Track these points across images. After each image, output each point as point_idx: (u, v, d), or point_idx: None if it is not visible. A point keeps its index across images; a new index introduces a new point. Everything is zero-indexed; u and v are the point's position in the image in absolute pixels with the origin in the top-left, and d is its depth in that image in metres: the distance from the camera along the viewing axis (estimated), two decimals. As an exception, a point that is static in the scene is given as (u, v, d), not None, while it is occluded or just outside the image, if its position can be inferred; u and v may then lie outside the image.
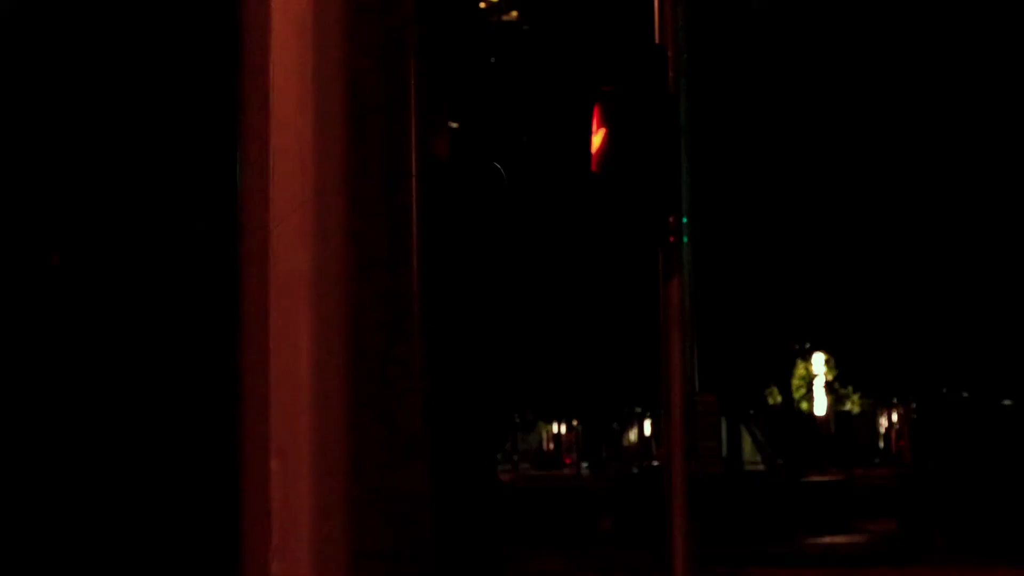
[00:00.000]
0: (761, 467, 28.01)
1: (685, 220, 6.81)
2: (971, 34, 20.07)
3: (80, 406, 4.40)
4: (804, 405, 40.46)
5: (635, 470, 27.00)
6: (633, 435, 52.74)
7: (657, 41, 7.72)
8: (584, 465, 46.58)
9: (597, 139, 6.98)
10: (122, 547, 4.36)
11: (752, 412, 27.94)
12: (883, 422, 53.07)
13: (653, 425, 42.53)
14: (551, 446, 57.79)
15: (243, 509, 1.64)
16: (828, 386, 42.42)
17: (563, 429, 54.92)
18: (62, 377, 4.38)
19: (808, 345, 31.64)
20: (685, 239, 6.79)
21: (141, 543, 4.38)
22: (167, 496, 4.44)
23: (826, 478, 26.60)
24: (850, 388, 43.41)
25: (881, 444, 52.55)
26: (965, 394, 34.92)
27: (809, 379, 42.24)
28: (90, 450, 4.40)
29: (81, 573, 4.32)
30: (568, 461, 52.28)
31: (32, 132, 4.42)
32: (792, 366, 34.11)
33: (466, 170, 2.54)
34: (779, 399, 30.28)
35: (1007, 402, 33.25)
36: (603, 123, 6.96)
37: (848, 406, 48.31)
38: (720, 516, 15.14)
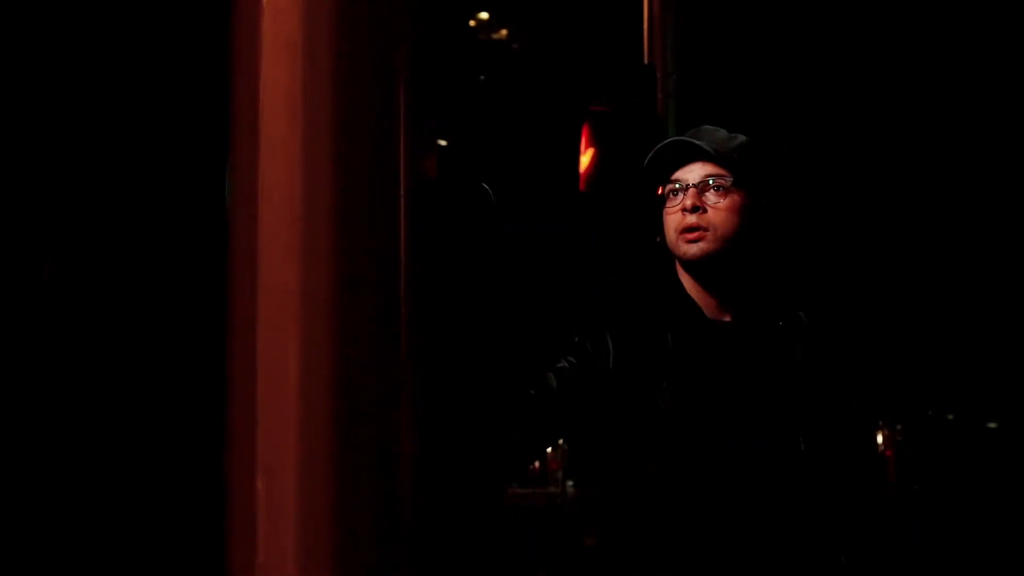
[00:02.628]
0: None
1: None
2: (971, 34, 20.13)
3: (65, 427, 4.39)
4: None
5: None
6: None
7: (646, 61, 7.74)
8: (570, 483, 46.57)
9: (585, 159, 6.99)
10: (108, 565, 4.34)
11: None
12: (869, 443, 53.07)
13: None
14: (537, 464, 57.75)
15: (229, 526, 1.64)
16: (814, 407, 42.35)
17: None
18: (45, 395, 4.37)
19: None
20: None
21: (127, 561, 4.37)
22: (153, 514, 4.43)
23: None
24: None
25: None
26: (950, 416, 34.94)
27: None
28: (77, 469, 4.39)
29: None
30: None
31: (26, 163, 4.41)
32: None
33: (454, 188, 2.54)
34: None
35: (992, 425, 33.29)
36: (591, 143, 6.97)
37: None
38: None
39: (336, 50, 1.65)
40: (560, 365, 2.76)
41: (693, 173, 2.82)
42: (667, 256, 2.87)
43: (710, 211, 2.79)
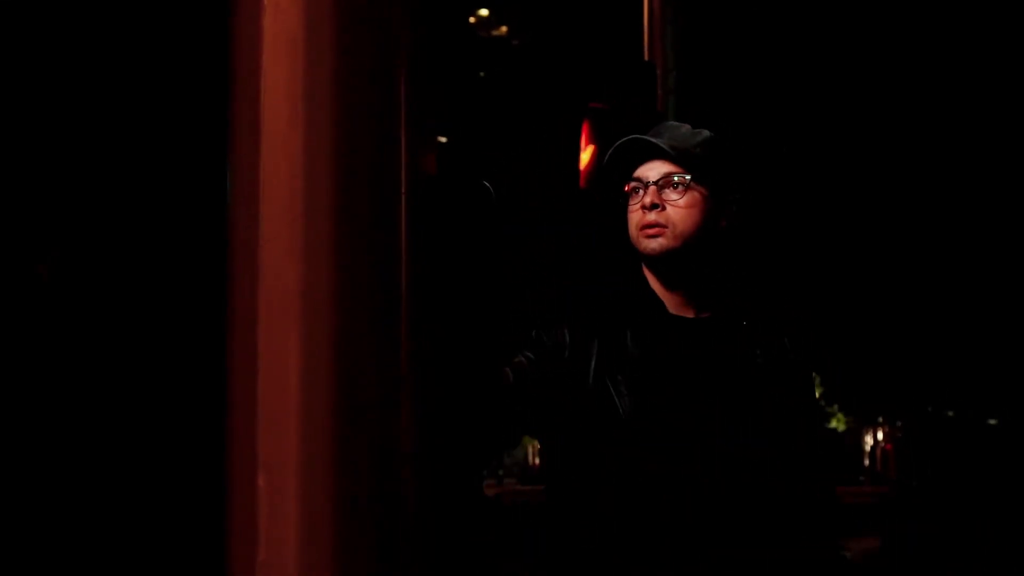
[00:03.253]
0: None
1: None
2: (970, 36, 20.15)
3: (66, 424, 4.39)
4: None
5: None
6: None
7: (646, 58, 7.74)
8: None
9: (585, 155, 6.99)
10: (110, 560, 4.34)
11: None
12: (868, 440, 53.21)
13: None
14: (536, 461, 57.81)
15: (229, 524, 1.64)
16: (814, 404, 42.37)
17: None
18: (44, 392, 4.37)
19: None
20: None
21: (127, 558, 4.37)
22: (153, 510, 4.43)
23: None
24: (836, 407, 43.52)
25: (866, 462, 52.69)
26: (950, 413, 35.00)
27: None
28: (77, 465, 4.39)
29: (65, 586, 4.30)
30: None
31: (23, 163, 4.41)
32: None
33: (455, 186, 2.54)
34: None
35: (992, 421, 33.35)
36: (591, 140, 6.97)
37: (834, 424, 48.41)
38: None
39: (337, 48, 1.65)
40: (517, 360, 2.78)
41: (653, 171, 2.86)
42: (634, 253, 2.91)
43: (669, 208, 2.83)
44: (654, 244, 2.81)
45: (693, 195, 2.81)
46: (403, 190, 1.67)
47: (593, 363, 2.75)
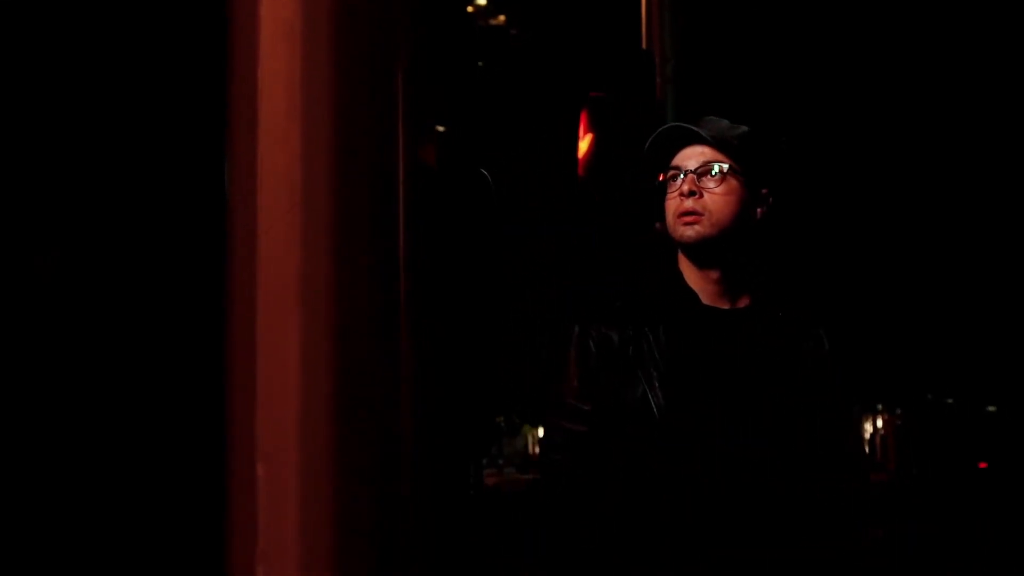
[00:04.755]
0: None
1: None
2: (970, 36, 20.13)
3: (65, 410, 4.39)
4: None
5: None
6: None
7: (644, 47, 7.74)
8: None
9: (584, 144, 6.99)
10: (107, 550, 4.35)
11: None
12: (868, 428, 53.12)
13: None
14: (536, 450, 57.83)
15: (229, 514, 1.64)
16: (813, 392, 42.27)
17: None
18: (46, 381, 4.38)
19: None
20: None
21: (126, 546, 4.38)
22: (152, 500, 4.44)
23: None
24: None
25: (867, 450, 52.63)
26: (950, 400, 35.01)
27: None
28: (75, 453, 4.39)
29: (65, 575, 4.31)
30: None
31: (17, 138, 4.41)
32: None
33: (453, 175, 2.54)
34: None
35: (991, 408, 33.36)
36: (590, 128, 6.97)
37: (833, 412, 48.27)
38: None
39: (335, 37, 1.65)
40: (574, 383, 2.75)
41: (691, 159, 2.85)
42: (668, 243, 2.90)
43: (707, 196, 2.82)
44: (691, 232, 2.80)
45: (731, 184, 2.80)
46: (401, 179, 1.67)
47: (625, 361, 2.73)
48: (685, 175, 2.82)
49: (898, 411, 45.89)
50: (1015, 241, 23.13)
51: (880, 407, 50.28)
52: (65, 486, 4.34)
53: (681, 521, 2.67)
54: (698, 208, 2.80)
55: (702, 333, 2.79)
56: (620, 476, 2.72)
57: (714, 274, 2.86)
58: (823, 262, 23.31)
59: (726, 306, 2.87)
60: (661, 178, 2.88)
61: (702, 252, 2.83)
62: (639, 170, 2.97)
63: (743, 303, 2.88)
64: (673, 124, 2.88)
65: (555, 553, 2.70)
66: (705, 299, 2.86)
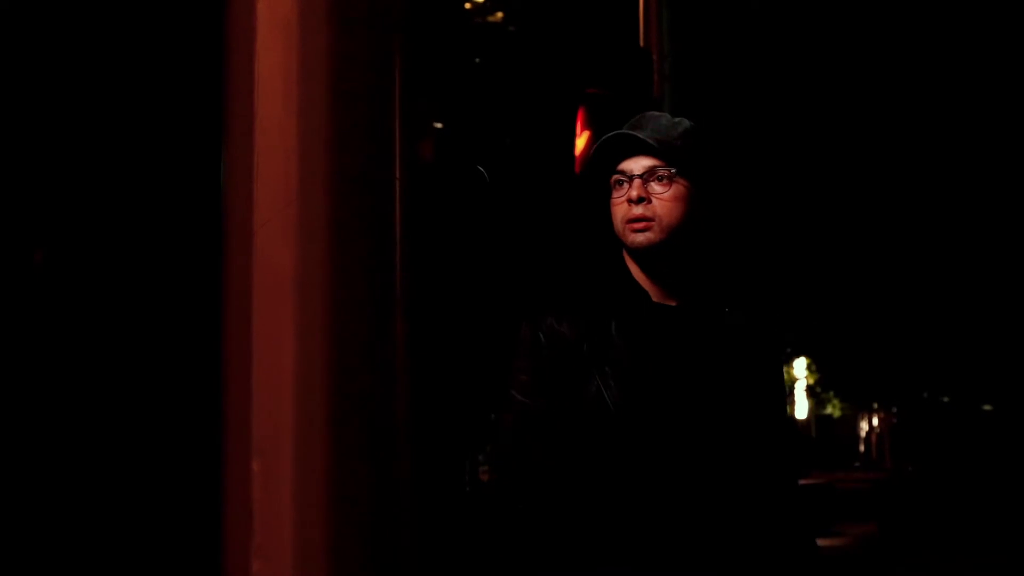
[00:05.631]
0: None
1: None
2: (969, 35, 20.12)
3: (62, 406, 4.39)
4: (785, 409, 40.49)
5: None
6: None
7: (642, 44, 7.74)
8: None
9: (581, 142, 6.99)
10: (104, 544, 4.34)
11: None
12: (864, 426, 53.27)
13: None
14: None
15: (224, 508, 1.64)
16: (809, 390, 42.56)
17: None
18: (44, 376, 4.37)
19: (789, 350, 31.75)
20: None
21: (123, 540, 4.38)
22: (149, 495, 4.43)
23: (808, 481, 26.69)
24: (831, 392, 43.57)
25: (862, 448, 52.76)
26: (945, 399, 35.04)
27: (790, 383, 42.36)
28: (71, 448, 4.39)
29: (63, 571, 4.31)
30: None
31: (16, 133, 4.40)
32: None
33: (449, 171, 2.55)
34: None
35: (987, 407, 33.39)
36: (587, 126, 6.96)
37: (829, 410, 48.42)
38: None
39: (332, 32, 1.65)
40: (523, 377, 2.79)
41: (637, 164, 2.89)
42: (615, 244, 2.93)
43: (655, 201, 2.86)
44: (641, 238, 2.84)
45: (678, 187, 2.84)
46: (397, 176, 1.67)
47: (581, 355, 2.76)
48: (631, 180, 2.85)
49: (894, 409, 45.98)
50: (1012, 241, 23.15)
51: (876, 406, 50.37)
52: (61, 481, 4.33)
53: (640, 514, 2.71)
54: (647, 214, 2.84)
55: (653, 329, 2.84)
56: (572, 473, 2.76)
57: (661, 275, 2.90)
58: (822, 262, 23.30)
59: (674, 303, 2.91)
60: (611, 182, 2.91)
61: (651, 256, 2.87)
62: (586, 175, 2.98)
63: (690, 299, 2.92)
64: (617, 132, 2.91)
65: (535, 546, 2.72)
66: (655, 297, 2.90)
